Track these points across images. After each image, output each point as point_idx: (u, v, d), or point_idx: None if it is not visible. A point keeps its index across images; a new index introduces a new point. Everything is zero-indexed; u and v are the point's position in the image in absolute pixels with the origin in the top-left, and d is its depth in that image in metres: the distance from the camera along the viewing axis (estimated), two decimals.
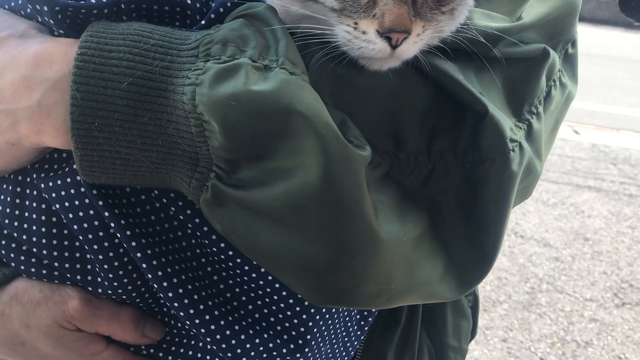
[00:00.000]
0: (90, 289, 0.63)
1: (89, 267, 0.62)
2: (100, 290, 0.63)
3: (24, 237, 0.60)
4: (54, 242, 0.60)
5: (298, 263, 0.54)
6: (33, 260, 0.62)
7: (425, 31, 0.55)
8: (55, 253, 0.60)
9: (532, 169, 0.63)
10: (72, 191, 0.58)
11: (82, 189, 0.58)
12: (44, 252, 0.61)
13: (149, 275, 0.59)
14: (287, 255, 0.54)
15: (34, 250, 0.61)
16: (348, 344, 0.71)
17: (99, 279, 0.62)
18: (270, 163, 0.51)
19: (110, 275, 0.60)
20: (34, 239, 0.60)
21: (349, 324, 0.70)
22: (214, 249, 0.61)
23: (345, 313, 0.69)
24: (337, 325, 0.68)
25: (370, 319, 0.72)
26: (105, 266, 0.60)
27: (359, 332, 0.72)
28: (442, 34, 0.57)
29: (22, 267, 0.62)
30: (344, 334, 0.70)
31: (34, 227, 0.60)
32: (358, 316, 0.71)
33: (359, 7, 0.54)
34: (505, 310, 2.82)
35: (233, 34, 0.52)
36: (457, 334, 0.81)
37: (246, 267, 0.62)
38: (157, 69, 0.51)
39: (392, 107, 0.56)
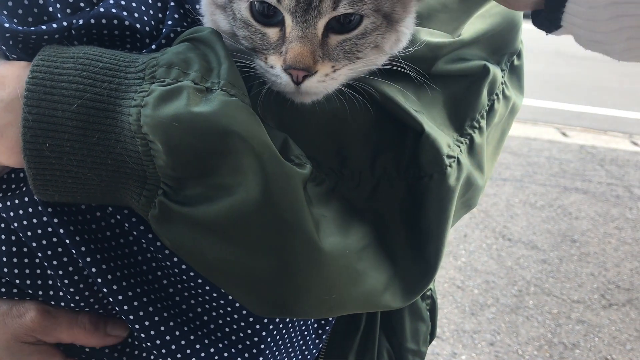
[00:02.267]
0: (52, 303, 0.64)
1: (49, 282, 0.63)
2: (62, 304, 0.64)
3: None
4: (14, 259, 0.61)
5: (242, 276, 0.56)
6: None
7: (337, 71, 0.57)
8: (15, 271, 0.62)
9: (472, 183, 0.65)
10: (30, 210, 0.59)
11: (39, 208, 0.59)
12: (5, 269, 0.61)
13: (104, 290, 0.60)
14: (232, 269, 0.55)
15: None
16: (306, 352, 0.72)
17: (61, 293, 0.63)
18: (214, 180, 0.53)
19: (72, 289, 0.62)
20: None
21: (306, 332, 0.71)
22: (168, 263, 0.62)
23: (301, 322, 0.70)
24: (293, 334, 0.69)
25: (327, 327, 0.73)
26: (66, 281, 0.61)
27: (317, 340, 0.72)
28: (373, 66, 0.60)
29: None
30: (301, 342, 0.70)
31: None
32: (315, 324, 0.72)
33: (269, 45, 0.57)
34: (492, 313, 2.83)
35: (178, 57, 0.55)
36: (416, 338, 0.83)
37: (199, 280, 0.63)
38: (105, 91, 0.53)
39: (334, 128, 0.59)
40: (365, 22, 0.57)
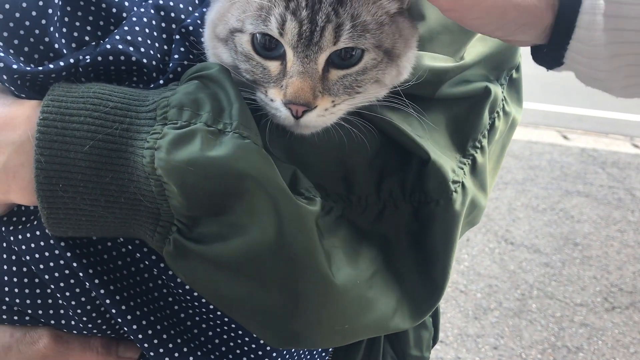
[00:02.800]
0: (65, 330, 0.65)
1: (61, 311, 0.64)
2: (75, 332, 0.65)
3: None
4: (26, 290, 0.62)
5: (256, 310, 0.57)
6: (4, 307, 0.64)
7: (337, 106, 0.57)
8: (28, 301, 0.63)
9: (476, 204, 0.67)
10: (42, 243, 0.60)
11: (51, 241, 0.60)
12: (17, 300, 0.63)
13: (118, 319, 0.61)
14: (246, 304, 0.56)
15: (6, 299, 0.63)
16: None
17: (73, 322, 0.64)
18: (228, 219, 0.54)
19: (84, 318, 0.63)
20: (6, 288, 0.62)
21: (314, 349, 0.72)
22: (180, 290, 0.64)
23: None
24: (301, 350, 0.70)
25: None
26: (79, 310, 0.62)
27: (323, 353, 0.74)
28: (373, 99, 0.60)
29: None
30: (308, 355, 0.72)
31: (6, 278, 0.62)
32: None
33: (270, 78, 0.57)
34: (496, 317, 2.83)
35: (189, 98, 0.55)
36: (419, 344, 0.85)
37: (211, 306, 0.65)
38: (117, 131, 0.54)
39: (340, 155, 0.59)
40: (366, 58, 0.57)
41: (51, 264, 0.60)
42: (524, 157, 4.76)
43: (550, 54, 0.56)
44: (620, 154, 4.92)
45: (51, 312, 0.63)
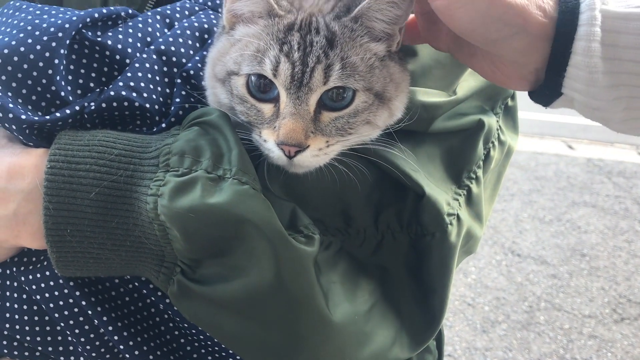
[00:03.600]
0: None
1: (71, 347, 0.66)
2: None
3: (7, 325, 0.65)
4: (37, 328, 0.65)
5: (258, 348, 0.59)
6: (15, 344, 0.66)
7: (331, 146, 0.59)
8: (38, 338, 0.65)
9: (472, 235, 0.69)
10: (51, 283, 0.63)
11: (60, 281, 0.62)
12: (27, 337, 0.65)
13: (127, 355, 0.64)
14: (248, 341, 0.59)
15: (18, 336, 0.65)
16: None
17: (82, 358, 0.66)
18: (229, 260, 0.56)
19: (94, 354, 0.65)
20: (17, 326, 0.64)
21: None
22: (185, 325, 0.66)
23: None
24: None
25: None
26: (88, 347, 0.64)
27: None
28: (367, 139, 0.62)
29: (5, 351, 0.67)
30: None
31: (16, 316, 0.64)
32: None
33: (263, 120, 0.59)
34: (504, 330, 2.83)
35: (189, 145, 0.57)
36: None
37: (216, 340, 0.67)
38: (121, 178, 0.56)
39: (337, 191, 0.61)
40: (357, 101, 0.59)
41: (61, 303, 0.63)
42: (529, 168, 4.76)
43: (549, 84, 0.56)
44: (627, 164, 4.91)
45: (61, 348, 0.66)
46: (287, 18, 0.59)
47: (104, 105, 0.61)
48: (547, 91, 0.56)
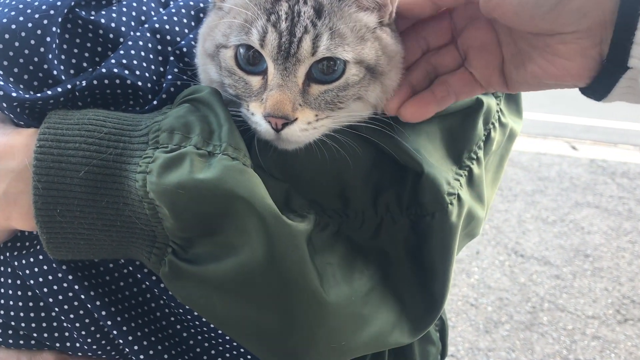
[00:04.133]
0: (70, 353, 0.67)
1: (66, 334, 0.65)
2: (80, 354, 0.66)
3: (1, 312, 0.64)
4: (31, 314, 0.64)
5: (253, 329, 0.58)
6: (10, 332, 0.66)
7: (320, 120, 0.58)
8: (33, 325, 0.64)
9: (473, 216, 0.67)
10: (45, 267, 0.62)
11: (54, 265, 0.62)
12: (22, 324, 0.64)
13: (120, 340, 0.63)
14: (242, 323, 0.58)
15: (12, 323, 0.64)
16: None
17: (78, 344, 0.66)
18: (220, 239, 0.55)
19: (89, 340, 0.64)
20: (12, 313, 0.64)
21: None
22: (180, 310, 0.65)
23: None
24: None
25: None
26: (83, 332, 0.64)
27: None
28: (358, 117, 0.61)
29: (0, 339, 0.66)
30: None
31: (11, 302, 0.64)
32: None
33: (251, 93, 0.58)
34: (507, 331, 2.82)
35: (179, 122, 0.57)
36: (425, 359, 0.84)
37: (212, 325, 0.66)
38: (111, 156, 0.56)
39: (335, 170, 0.60)
40: (347, 74, 0.58)
41: (54, 287, 0.62)
42: (532, 168, 4.75)
43: (613, 58, 0.51)
44: (630, 164, 4.90)
45: (56, 334, 0.65)
46: None
47: (95, 82, 0.60)
48: (612, 67, 0.51)
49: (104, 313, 0.62)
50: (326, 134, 0.59)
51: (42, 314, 0.64)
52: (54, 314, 0.64)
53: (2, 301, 0.64)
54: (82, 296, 0.61)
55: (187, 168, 0.53)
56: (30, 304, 0.64)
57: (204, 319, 0.65)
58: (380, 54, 0.59)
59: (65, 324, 0.64)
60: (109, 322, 0.62)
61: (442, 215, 0.61)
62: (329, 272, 0.58)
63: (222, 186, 0.53)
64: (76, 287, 0.61)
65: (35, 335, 0.65)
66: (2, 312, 0.64)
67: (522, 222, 3.85)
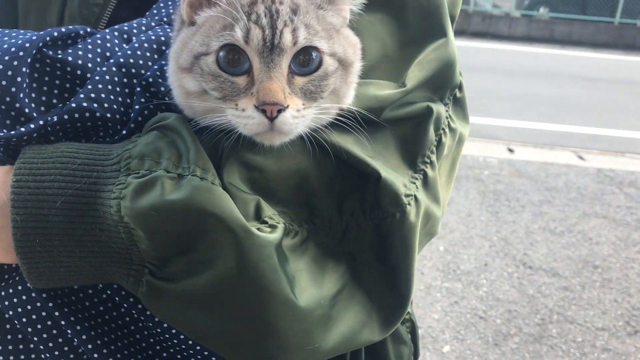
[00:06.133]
0: None
1: None
2: None
3: None
4: (10, 347, 0.66)
5: (229, 339, 0.61)
6: None
7: (307, 109, 0.62)
8: (11, 357, 0.66)
9: (431, 215, 0.71)
10: (24, 297, 0.64)
11: (33, 294, 0.64)
12: (1, 357, 0.66)
13: None
14: (219, 334, 0.61)
15: None
16: None
17: None
18: (194, 255, 0.58)
19: None
20: None
21: None
22: (159, 330, 0.68)
23: None
24: None
25: None
26: None
27: None
28: (328, 115, 0.65)
29: None
30: None
31: None
32: None
33: (239, 91, 0.61)
34: (516, 343, 2.80)
35: (148, 148, 0.60)
36: None
37: (190, 342, 0.69)
38: (85, 185, 0.59)
39: (299, 181, 0.64)
40: (325, 64, 0.63)
41: (33, 317, 0.64)
42: (539, 179, 4.74)
43: None
44: (638, 174, 4.88)
45: None
46: None
47: (66, 117, 0.63)
48: None
49: (84, 337, 0.64)
50: (301, 133, 0.63)
51: (20, 347, 0.66)
52: (32, 345, 0.66)
53: None
54: (62, 322, 0.63)
55: (158, 191, 0.56)
56: (9, 337, 0.66)
57: (182, 337, 0.68)
58: (347, 45, 0.65)
59: (43, 355, 0.66)
60: (89, 346, 0.64)
61: (401, 216, 0.65)
62: (299, 277, 0.61)
63: (193, 205, 0.56)
64: (56, 313, 0.63)
65: None
66: None
67: (530, 234, 3.84)
